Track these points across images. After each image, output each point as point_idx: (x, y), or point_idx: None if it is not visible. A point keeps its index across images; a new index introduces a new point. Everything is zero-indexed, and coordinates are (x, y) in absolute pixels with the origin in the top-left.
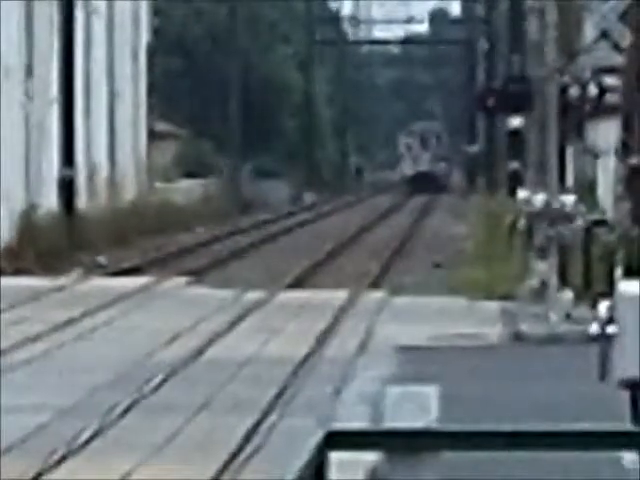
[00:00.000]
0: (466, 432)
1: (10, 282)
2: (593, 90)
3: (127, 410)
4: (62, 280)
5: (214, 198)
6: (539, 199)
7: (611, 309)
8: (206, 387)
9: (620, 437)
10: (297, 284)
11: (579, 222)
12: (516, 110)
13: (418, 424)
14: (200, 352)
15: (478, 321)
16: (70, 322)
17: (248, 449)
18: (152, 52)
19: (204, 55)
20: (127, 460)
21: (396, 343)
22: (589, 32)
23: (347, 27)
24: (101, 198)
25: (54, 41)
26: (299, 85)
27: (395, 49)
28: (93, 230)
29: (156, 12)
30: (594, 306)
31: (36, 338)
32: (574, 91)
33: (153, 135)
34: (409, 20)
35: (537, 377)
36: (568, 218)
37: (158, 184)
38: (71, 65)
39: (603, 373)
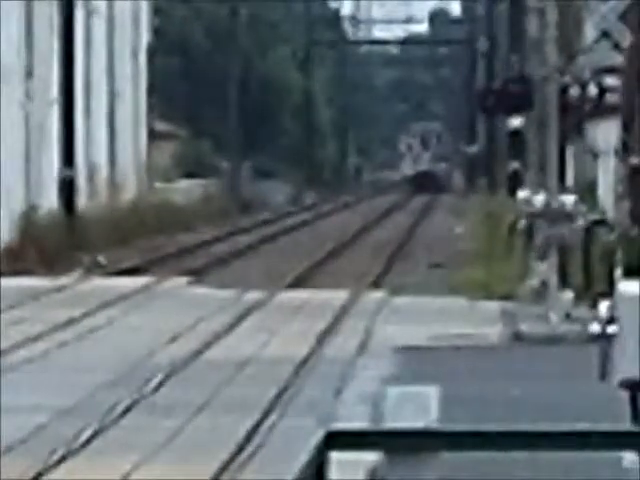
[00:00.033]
0: (466, 432)
1: (10, 282)
2: (593, 90)
3: (127, 410)
4: (62, 280)
5: (214, 198)
6: (539, 199)
7: (611, 309)
8: (206, 387)
9: (620, 437)
10: (297, 284)
11: (579, 222)
12: (516, 110)
13: (418, 424)
14: (200, 352)
15: (478, 321)
16: (70, 322)
17: (248, 449)
18: (152, 52)
19: (204, 55)
20: (127, 460)
21: (396, 343)
22: (589, 32)
23: (347, 27)
24: (101, 198)
25: (54, 41)
26: (299, 85)
27: (395, 49)
28: (93, 230)
29: (156, 12)
30: (594, 306)
31: (36, 338)
32: (574, 91)
33: (153, 135)
34: (409, 20)
35: (537, 377)
36: (568, 218)
37: (158, 184)
38: (71, 65)
39: (603, 373)
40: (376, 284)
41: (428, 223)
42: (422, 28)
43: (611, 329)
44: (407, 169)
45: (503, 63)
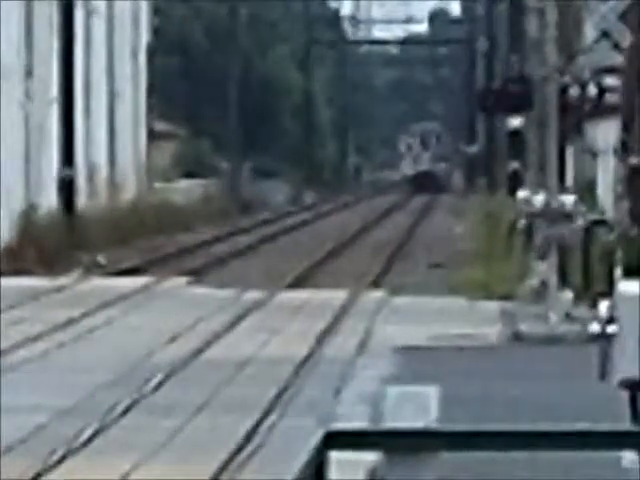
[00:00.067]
0: (466, 432)
1: (10, 282)
2: (593, 90)
3: (127, 410)
4: (62, 280)
5: (214, 198)
6: (539, 199)
7: (611, 309)
8: (206, 387)
9: (620, 437)
10: (297, 284)
11: (579, 222)
12: (516, 110)
13: (418, 424)
14: (200, 352)
15: (478, 321)
16: (70, 322)
17: (248, 449)
18: (152, 52)
19: (204, 55)
20: (127, 460)
21: (396, 343)
22: (589, 32)
23: (347, 27)
24: (101, 198)
25: (54, 41)
26: (299, 85)
27: (395, 49)
28: (93, 230)
29: (156, 12)
30: (594, 306)
31: (36, 338)
32: (574, 91)
33: (153, 135)
34: (409, 20)
35: (537, 377)
36: (568, 218)
37: (158, 184)
38: (71, 65)
39: (603, 373)
40: (376, 284)
41: (428, 223)
42: (422, 28)
43: (611, 329)
44: (407, 169)
45: (503, 63)
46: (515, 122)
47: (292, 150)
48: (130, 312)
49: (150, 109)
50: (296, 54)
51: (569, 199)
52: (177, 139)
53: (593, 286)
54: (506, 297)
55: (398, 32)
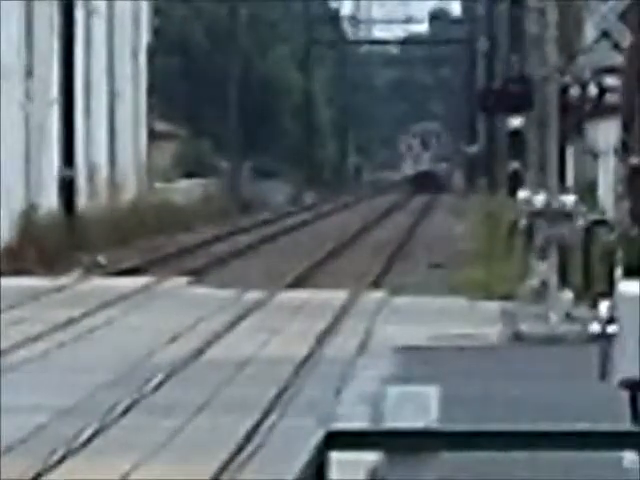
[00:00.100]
0: (466, 432)
1: (10, 282)
2: (593, 90)
3: (127, 410)
4: (62, 280)
5: (214, 198)
6: (539, 199)
7: (611, 309)
8: (206, 387)
9: (620, 437)
10: (297, 284)
11: (579, 222)
12: (516, 110)
13: (418, 424)
14: (200, 352)
15: (478, 321)
16: (70, 322)
17: (248, 449)
18: (152, 52)
19: (204, 55)
20: (127, 460)
21: (396, 343)
22: (589, 32)
23: (347, 27)
24: (101, 198)
25: (54, 41)
26: (299, 85)
27: (395, 49)
28: (93, 230)
29: (156, 12)
30: (594, 306)
31: (36, 338)
32: (574, 91)
33: (153, 135)
34: (409, 20)
35: (537, 377)
36: (568, 218)
37: (158, 184)
38: (71, 65)
39: (603, 373)
40: (376, 284)
41: (428, 223)
42: (422, 28)
43: (611, 329)
44: (407, 169)
45: (503, 63)
46: (515, 122)
47: (292, 150)
48: (130, 312)
49: (150, 109)
50: (296, 54)
51: (569, 199)
52: (177, 139)
53: (593, 286)
54: (506, 297)
55: (398, 32)
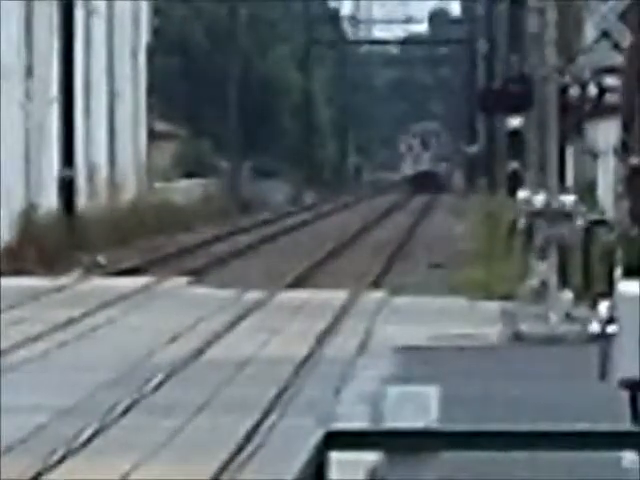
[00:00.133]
0: (466, 432)
1: (10, 282)
2: (593, 90)
3: (127, 410)
4: (62, 280)
5: (214, 198)
6: (539, 199)
7: (611, 309)
8: (206, 387)
9: (620, 437)
10: (297, 284)
11: (579, 222)
12: (516, 110)
13: (418, 424)
14: (200, 352)
15: (478, 321)
16: (70, 322)
17: (248, 449)
18: (152, 52)
19: (204, 55)
20: (127, 460)
21: (396, 343)
22: (589, 32)
23: (346, 27)
24: (101, 198)
25: (54, 41)
26: (299, 85)
27: (395, 49)
28: (93, 230)
29: (156, 12)
30: (594, 306)
31: (36, 338)
32: (574, 91)
33: (153, 135)
34: (409, 20)
35: (537, 377)
36: (568, 218)
37: (158, 184)
38: (71, 65)
39: (603, 373)
40: (376, 284)
41: (428, 223)
42: (422, 28)
43: (611, 329)
44: (407, 169)
45: (503, 63)
46: (515, 122)
47: (292, 150)
48: (130, 312)
49: (150, 109)
50: (296, 54)
51: (569, 199)
52: (177, 139)
53: (593, 286)
54: (506, 297)
55: (398, 32)
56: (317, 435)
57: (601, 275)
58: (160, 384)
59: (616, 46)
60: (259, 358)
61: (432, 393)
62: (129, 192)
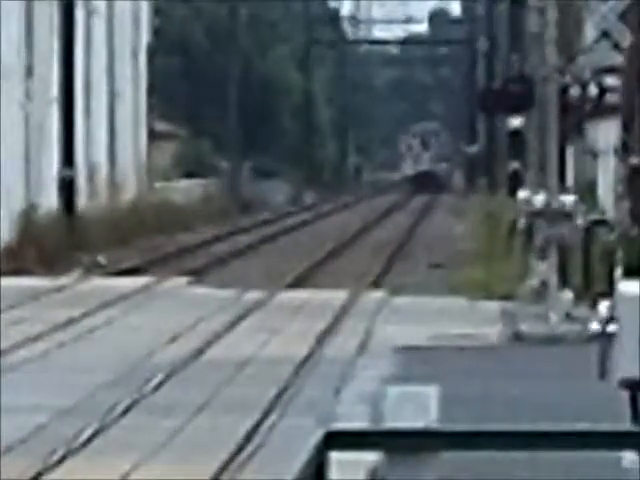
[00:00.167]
0: (466, 432)
1: (10, 282)
2: (593, 90)
3: (127, 410)
4: (62, 280)
5: (214, 198)
6: (539, 199)
7: (611, 309)
8: (206, 387)
9: (620, 437)
10: (297, 284)
11: (579, 222)
12: (516, 110)
13: (418, 424)
14: (200, 352)
15: (478, 321)
16: (70, 322)
17: (248, 449)
18: (152, 52)
19: (204, 55)
20: (127, 460)
21: (396, 343)
22: (589, 32)
23: (346, 27)
24: (101, 198)
25: (54, 41)
26: (299, 85)
27: (395, 49)
28: (93, 230)
29: (156, 12)
30: (594, 306)
31: (36, 338)
32: (574, 91)
33: (153, 135)
34: (409, 20)
35: (537, 377)
36: (568, 218)
37: (158, 184)
38: (71, 65)
39: (603, 373)
40: (376, 284)
41: (428, 223)
42: (422, 28)
43: (611, 329)
44: (407, 169)
45: (503, 63)
46: (515, 122)
47: (292, 150)
48: (130, 312)
49: (150, 109)
50: (296, 54)
51: (569, 199)
52: (177, 139)
53: (593, 286)
54: (506, 297)
55: (398, 32)
56: (317, 435)
57: (601, 275)
58: (160, 384)
59: (616, 46)
60: (259, 358)
61: (432, 393)
62: (129, 192)
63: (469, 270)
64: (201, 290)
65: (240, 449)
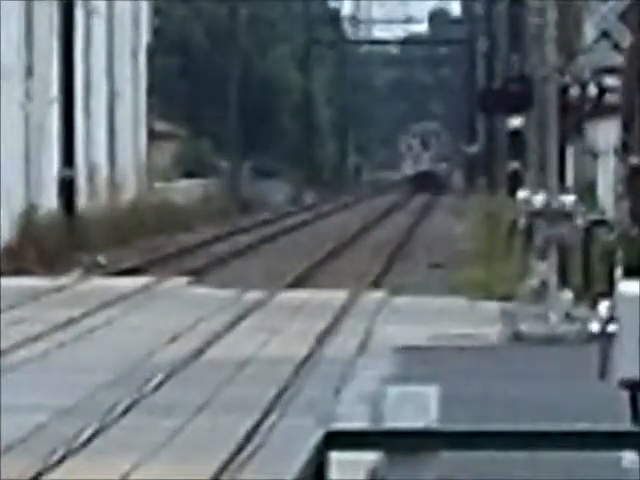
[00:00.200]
0: (466, 432)
1: (10, 282)
2: (593, 90)
3: (127, 410)
4: (62, 280)
5: (214, 198)
6: (539, 199)
7: (611, 309)
8: (206, 387)
9: (620, 437)
10: (297, 284)
11: (579, 222)
12: (516, 110)
13: (418, 424)
14: (200, 352)
15: (478, 321)
16: (70, 322)
17: (248, 449)
18: (152, 52)
19: (204, 55)
20: (127, 460)
21: (396, 343)
22: (589, 32)
23: (347, 27)
24: (101, 198)
25: (54, 41)
26: (298, 85)
27: (395, 49)
28: (93, 230)
29: (156, 12)
30: (594, 306)
31: (36, 338)
32: (574, 91)
33: (153, 135)
34: (409, 20)
35: (537, 377)
36: (568, 218)
37: (158, 184)
38: (71, 65)
39: (603, 373)
40: (376, 284)
41: (428, 223)
42: (422, 28)
43: (611, 329)
44: (407, 169)
45: (503, 63)
46: (515, 122)
47: (292, 150)
48: (130, 312)
49: (150, 109)
50: (296, 54)
51: (569, 199)
52: (177, 139)
53: (593, 286)
54: (506, 297)
55: (398, 32)
56: (317, 435)
57: (601, 275)
58: (160, 384)
59: (616, 46)
60: (259, 358)
61: (432, 393)
62: (129, 192)
63: (469, 270)
64: (201, 290)
65: (240, 449)
